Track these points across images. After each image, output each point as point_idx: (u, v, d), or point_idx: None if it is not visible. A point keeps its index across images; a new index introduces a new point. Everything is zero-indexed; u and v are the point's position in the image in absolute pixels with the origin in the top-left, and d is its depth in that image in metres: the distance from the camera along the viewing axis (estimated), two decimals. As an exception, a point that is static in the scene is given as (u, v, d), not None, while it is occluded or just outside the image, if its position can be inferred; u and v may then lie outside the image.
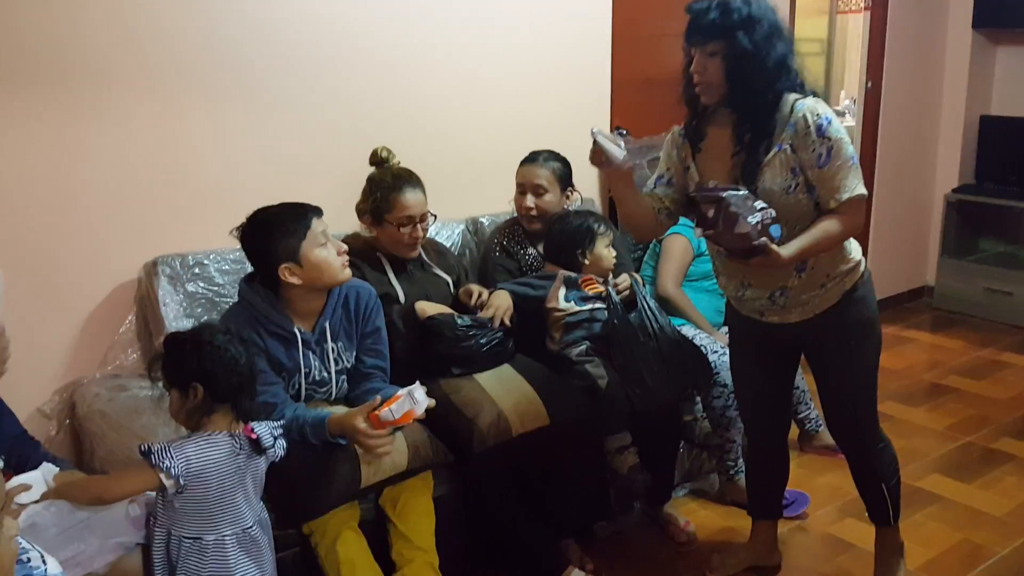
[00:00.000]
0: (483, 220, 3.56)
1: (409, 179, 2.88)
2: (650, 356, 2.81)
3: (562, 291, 2.95)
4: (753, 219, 2.18)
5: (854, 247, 2.46)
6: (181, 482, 2.00)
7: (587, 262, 3.02)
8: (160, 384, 2.11)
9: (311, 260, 2.39)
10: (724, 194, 2.20)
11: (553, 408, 2.67)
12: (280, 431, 2.18)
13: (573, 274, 2.99)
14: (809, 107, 2.27)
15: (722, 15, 2.22)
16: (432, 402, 2.31)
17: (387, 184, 2.86)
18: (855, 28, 5.68)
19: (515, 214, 3.30)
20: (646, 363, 2.80)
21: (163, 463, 1.99)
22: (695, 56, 2.31)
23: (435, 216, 2.95)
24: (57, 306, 2.81)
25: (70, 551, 2.01)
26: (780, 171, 2.29)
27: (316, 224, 2.41)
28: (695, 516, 3.17)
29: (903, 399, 4.21)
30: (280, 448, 2.16)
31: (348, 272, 2.49)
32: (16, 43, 2.62)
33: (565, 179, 3.23)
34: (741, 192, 2.23)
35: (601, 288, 2.97)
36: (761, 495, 2.89)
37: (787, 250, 2.25)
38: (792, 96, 2.30)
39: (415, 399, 2.27)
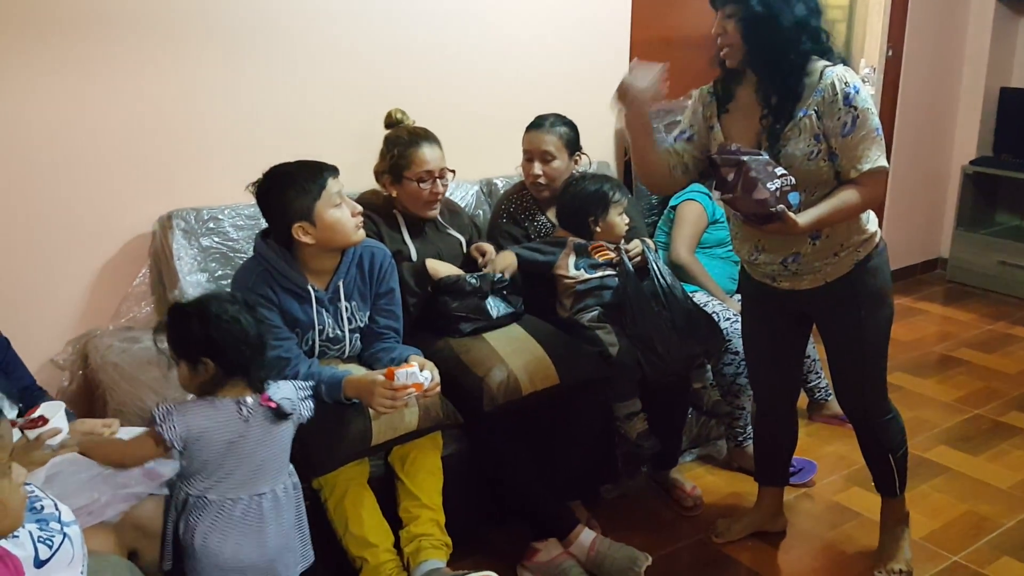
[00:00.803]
0: (497, 182, 3.54)
1: (426, 136, 2.87)
2: (662, 325, 2.81)
3: (572, 259, 2.94)
4: (772, 185, 2.16)
5: (871, 218, 2.45)
6: (177, 447, 2.00)
7: (599, 229, 2.99)
8: (167, 354, 2.07)
9: (325, 220, 2.38)
10: (745, 158, 2.18)
11: (563, 368, 2.67)
12: (309, 391, 2.17)
13: (583, 241, 2.98)
14: (838, 75, 2.26)
15: None
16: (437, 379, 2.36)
17: (404, 141, 2.85)
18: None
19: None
20: (658, 332, 2.80)
21: (163, 427, 1.99)
22: (716, 18, 2.31)
23: (453, 172, 2.92)
24: (71, 258, 2.82)
25: (84, 500, 2.02)
26: (804, 136, 2.28)
27: (332, 184, 2.39)
28: (702, 481, 3.19)
29: (913, 370, 4.21)
30: (307, 410, 2.15)
31: (362, 233, 2.47)
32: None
33: (573, 143, 3.16)
34: (762, 157, 2.21)
35: (612, 255, 2.96)
36: (769, 462, 2.90)
37: (804, 218, 2.24)
38: (821, 62, 2.29)
39: (425, 373, 2.32)
